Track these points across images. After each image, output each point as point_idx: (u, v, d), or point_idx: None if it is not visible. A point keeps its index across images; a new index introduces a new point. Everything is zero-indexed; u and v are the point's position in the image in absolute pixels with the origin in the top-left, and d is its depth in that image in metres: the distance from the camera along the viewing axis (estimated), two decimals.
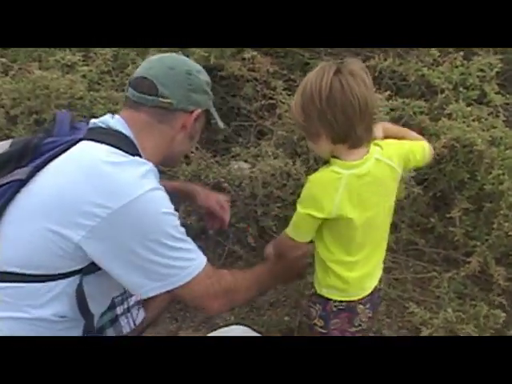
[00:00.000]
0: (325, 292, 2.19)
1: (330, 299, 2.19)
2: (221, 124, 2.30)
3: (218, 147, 3.39)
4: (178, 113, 2.05)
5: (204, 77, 2.16)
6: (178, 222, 1.92)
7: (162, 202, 1.88)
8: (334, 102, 1.91)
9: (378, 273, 2.27)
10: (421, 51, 3.32)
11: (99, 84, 3.19)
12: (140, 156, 1.96)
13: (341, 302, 2.18)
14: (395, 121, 3.08)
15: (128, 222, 1.80)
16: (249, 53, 3.16)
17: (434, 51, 3.16)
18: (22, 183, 1.88)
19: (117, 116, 2.04)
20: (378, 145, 2.10)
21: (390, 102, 3.02)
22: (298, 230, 2.11)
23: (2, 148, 2.00)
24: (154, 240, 1.83)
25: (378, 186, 2.07)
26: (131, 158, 1.90)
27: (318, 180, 2.04)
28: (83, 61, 3.20)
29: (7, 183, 1.89)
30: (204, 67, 3.23)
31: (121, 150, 1.91)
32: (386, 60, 3.19)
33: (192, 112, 2.08)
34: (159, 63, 2.08)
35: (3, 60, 3.21)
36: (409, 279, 3.08)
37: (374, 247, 2.18)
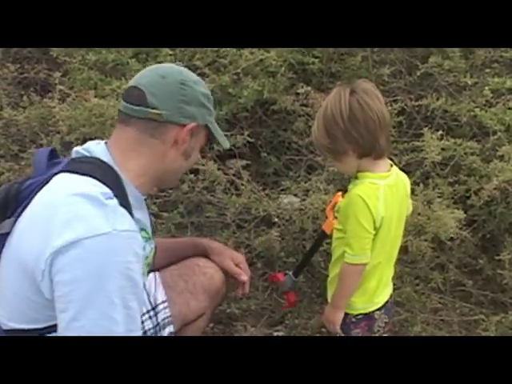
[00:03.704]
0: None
1: (347, 313, 2.30)
2: (224, 143, 2.08)
3: (267, 180, 3.41)
4: (169, 126, 1.88)
5: (202, 89, 1.97)
6: (119, 281, 1.69)
7: (112, 252, 1.69)
8: (356, 120, 2.08)
9: (390, 288, 2.39)
10: (473, 92, 3.31)
11: None
12: (119, 182, 1.83)
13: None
14: (446, 161, 3.09)
15: (73, 261, 1.66)
16: (302, 88, 3.17)
17: (487, 91, 3.15)
18: (8, 236, 1.82)
19: (102, 142, 1.93)
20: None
21: (442, 142, 3.01)
22: (361, 251, 2.16)
23: None
24: (92, 287, 1.67)
25: (399, 198, 2.23)
26: (97, 191, 1.74)
27: (361, 193, 2.13)
28: None
29: None
30: (257, 101, 3.34)
31: (94, 178, 1.78)
32: (438, 99, 3.20)
33: (185, 125, 1.90)
34: (152, 72, 1.96)
35: (61, 87, 3.25)
36: (455, 321, 3.05)
37: (387, 259, 2.29)
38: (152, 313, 2.26)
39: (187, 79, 1.93)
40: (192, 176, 3.09)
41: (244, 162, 3.27)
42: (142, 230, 1.96)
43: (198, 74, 3.31)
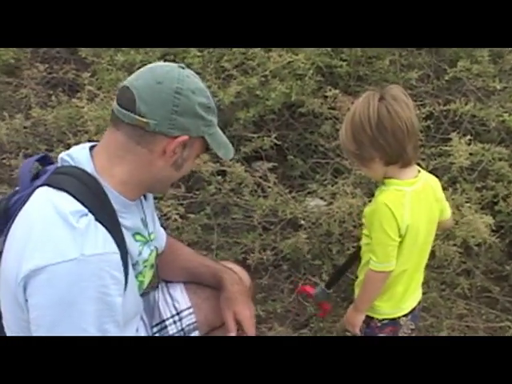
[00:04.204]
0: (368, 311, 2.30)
1: (373, 317, 2.30)
2: (226, 155, 1.95)
3: (294, 183, 3.41)
4: (158, 136, 1.76)
5: (200, 98, 1.81)
6: (91, 306, 1.65)
7: (77, 278, 1.63)
8: (384, 128, 2.05)
9: (418, 294, 2.37)
10: (502, 96, 3.30)
11: None
12: (100, 194, 1.77)
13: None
14: (474, 166, 3.07)
15: (41, 287, 1.63)
16: (330, 91, 3.17)
17: None
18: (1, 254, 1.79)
19: (88, 146, 1.85)
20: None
21: (470, 146, 2.98)
22: (386, 259, 2.15)
23: None
24: (60, 313, 1.64)
25: (428, 204, 2.21)
26: (70, 210, 1.68)
27: (386, 201, 2.11)
28: None
29: None
30: (284, 103, 3.34)
31: (70, 194, 1.71)
32: (466, 104, 3.17)
33: (175, 137, 1.77)
34: (149, 73, 1.80)
35: (89, 87, 3.28)
36: (481, 327, 3.03)
37: (415, 265, 2.27)
38: (177, 317, 2.25)
39: (184, 87, 1.77)
40: (219, 178, 3.10)
41: (271, 165, 3.28)
42: (136, 234, 1.93)
43: (226, 76, 3.37)
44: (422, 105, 3.22)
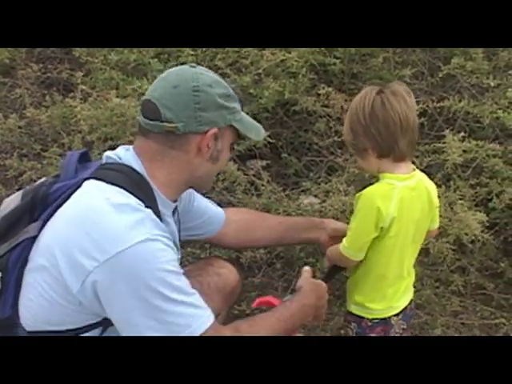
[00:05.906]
0: (356, 310, 2.29)
1: (363, 317, 2.28)
2: (257, 136, 2.06)
3: (288, 181, 3.40)
4: (189, 136, 1.86)
5: (219, 89, 1.90)
6: (173, 278, 1.75)
7: (154, 256, 1.73)
8: (377, 118, 2.08)
9: (410, 294, 2.35)
10: (496, 93, 3.29)
11: None
12: (151, 193, 1.87)
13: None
14: (468, 163, 3.06)
15: (117, 275, 1.70)
16: (323, 89, 3.16)
17: (510, 93, 3.11)
18: (34, 239, 1.82)
19: (131, 147, 1.94)
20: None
21: (464, 143, 2.98)
22: (355, 247, 2.18)
23: (14, 201, 1.90)
24: (148, 294, 1.71)
25: (420, 203, 2.19)
26: (128, 201, 1.78)
27: (374, 191, 2.13)
28: None
29: (22, 242, 1.82)
30: (277, 101, 3.33)
31: (124, 188, 1.81)
32: (460, 101, 3.16)
33: (206, 132, 1.88)
34: (164, 82, 1.90)
35: (83, 87, 3.28)
36: (476, 324, 3.03)
37: (407, 265, 2.27)
38: None
39: (200, 84, 1.86)
40: None
41: (264, 163, 3.28)
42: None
43: (220, 75, 3.33)
44: (415, 102, 3.20)
